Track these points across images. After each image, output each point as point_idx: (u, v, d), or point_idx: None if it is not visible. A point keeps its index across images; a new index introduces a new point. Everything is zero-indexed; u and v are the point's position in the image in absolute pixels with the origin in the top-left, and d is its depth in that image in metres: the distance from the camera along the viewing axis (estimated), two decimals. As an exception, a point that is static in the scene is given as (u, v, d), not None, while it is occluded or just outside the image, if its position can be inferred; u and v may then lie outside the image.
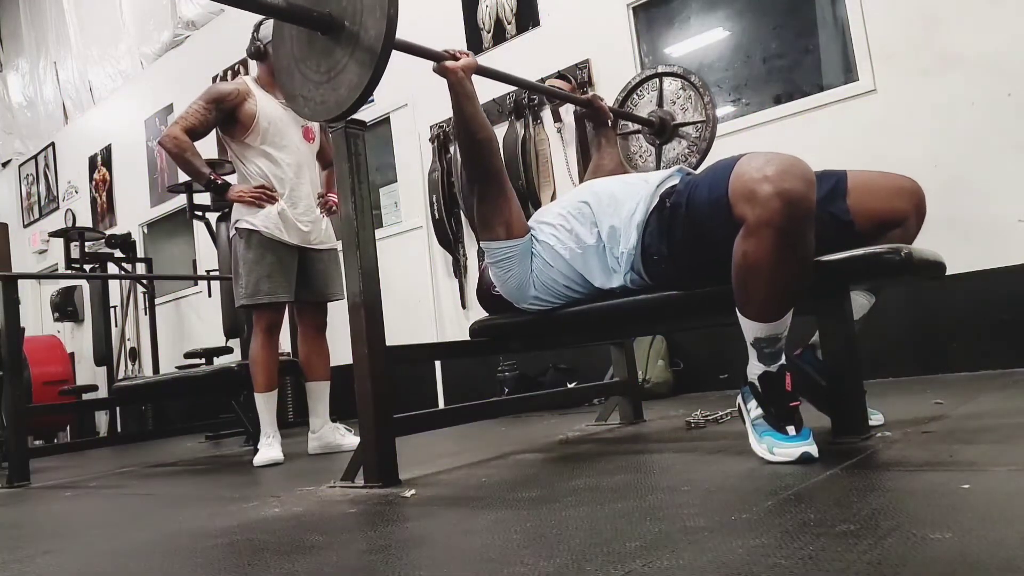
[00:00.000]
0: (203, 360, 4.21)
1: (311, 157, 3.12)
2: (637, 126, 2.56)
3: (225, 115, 2.93)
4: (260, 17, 3.15)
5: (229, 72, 6.34)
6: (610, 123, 2.45)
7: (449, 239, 4.81)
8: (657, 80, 2.54)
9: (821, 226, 1.52)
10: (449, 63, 1.89)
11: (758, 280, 1.47)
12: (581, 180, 4.17)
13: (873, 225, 1.69)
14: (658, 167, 2.52)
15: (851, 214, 1.69)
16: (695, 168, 2.42)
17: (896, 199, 1.71)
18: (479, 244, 4.62)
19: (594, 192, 1.91)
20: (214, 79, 6.33)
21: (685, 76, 2.48)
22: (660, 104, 2.52)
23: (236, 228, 2.96)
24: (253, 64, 3.16)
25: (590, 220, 1.87)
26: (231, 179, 3.05)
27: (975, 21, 3.13)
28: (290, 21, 1.69)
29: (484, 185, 1.94)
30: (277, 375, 3.00)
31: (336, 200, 2.84)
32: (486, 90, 4.62)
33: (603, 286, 1.87)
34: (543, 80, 4.32)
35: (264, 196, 2.91)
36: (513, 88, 4.43)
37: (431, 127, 4.91)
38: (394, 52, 1.57)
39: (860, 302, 1.81)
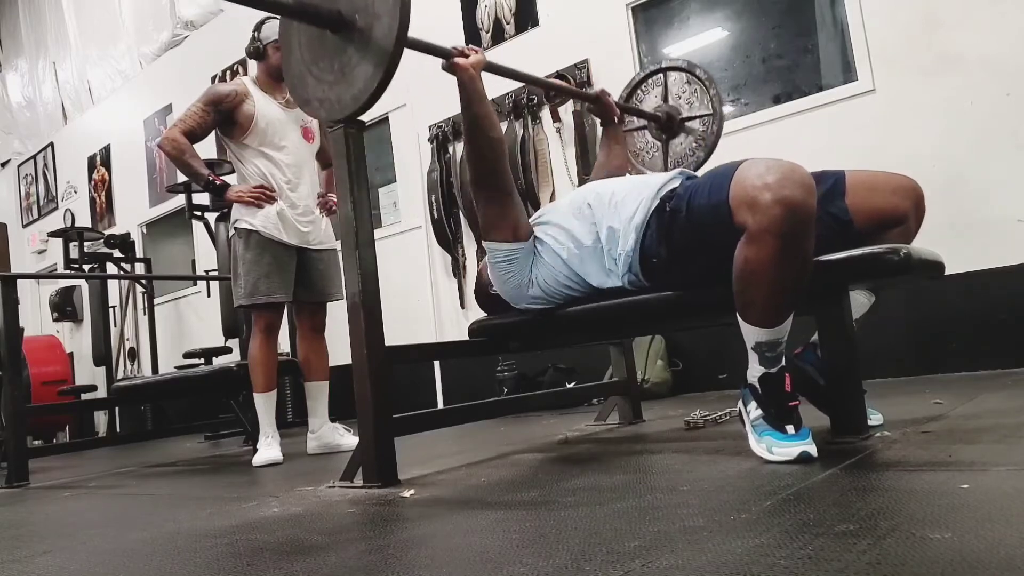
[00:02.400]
0: (202, 360, 4.21)
1: (310, 157, 3.12)
2: (643, 122, 2.54)
3: (224, 116, 2.94)
4: (261, 16, 3.14)
5: (228, 72, 6.34)
6: (617, 120, 2.43)
7: (448, 239, 4.81)
8: (662, 75, 2.52)
9: (820, 226, 1.52)
10: (459, 60, 1.87)
11: (759, 286, 1.47)
12: (580, 180, 4.17)
13: (872, 224, 1.69)
14: (665, 162, 2.50)
15: (850, 213, 1.69)
16: (701, 164, 2.41)
17: (895, 198, 1.71)
18: (480, 244, 4.62)
19: (597, 193, 1.91)
20: (213, 79, 6.33)
21: (690, 70, 2.46)
22: (665, 99, 2.51)
23: (235, 228, 2.96)
24: (252, 64, 3.16)
25: (590, 221, 1.87)
26: (231, 179, 3.05)
27: (975, 21, 3.13)
28: (300, 19, 1.68)
29: (491, 186, 1.92)
30: (276, 375, 3.00)
31: (336, 200, 2.85)
32: (486, 90, 4.65)
33: (600, 285, 1.87)
34: (542, 80, 4.33)
35: (263, 196, 2.92)
36: (513, 88, 4.45)
37: (430, 127, 4.90)
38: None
39: (860, 301, 1.81)
